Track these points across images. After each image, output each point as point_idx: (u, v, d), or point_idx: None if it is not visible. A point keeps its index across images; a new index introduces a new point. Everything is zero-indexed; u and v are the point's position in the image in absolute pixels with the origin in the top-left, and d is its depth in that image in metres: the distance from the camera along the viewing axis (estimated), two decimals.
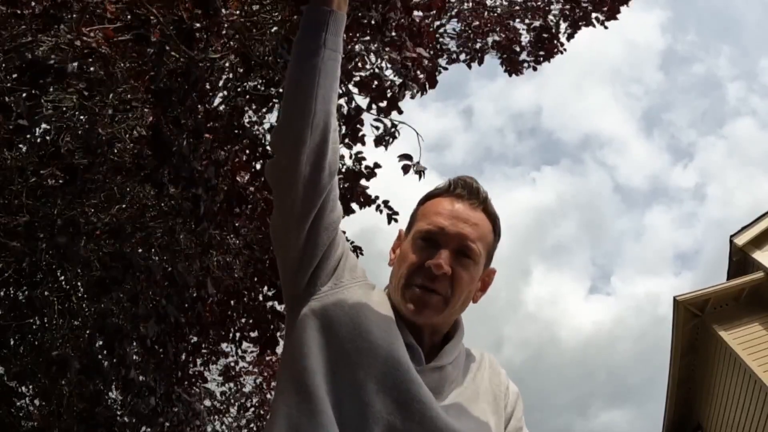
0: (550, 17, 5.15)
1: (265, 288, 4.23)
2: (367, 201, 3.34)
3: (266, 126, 3.74)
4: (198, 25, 2.42)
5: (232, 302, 4.49)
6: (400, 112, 3.11)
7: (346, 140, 3.13)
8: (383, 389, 1.04)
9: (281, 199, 1.14)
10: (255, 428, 7.27)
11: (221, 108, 3.21)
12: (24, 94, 2.70)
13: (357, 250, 3.91)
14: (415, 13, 3.08)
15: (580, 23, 4.99)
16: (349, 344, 1.08)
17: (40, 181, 3.48)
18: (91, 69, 2.93)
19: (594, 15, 4.87)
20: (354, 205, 3.35)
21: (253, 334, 4.47)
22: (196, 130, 2.66)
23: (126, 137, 3.49)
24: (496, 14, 5.33)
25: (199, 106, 2.84)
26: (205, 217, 2.88)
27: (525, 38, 5.36)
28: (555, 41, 5.18)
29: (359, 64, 3.29)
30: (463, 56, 5.39)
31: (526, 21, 5.31)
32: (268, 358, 6.92)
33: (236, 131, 3.05)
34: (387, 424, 1.02)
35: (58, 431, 4.25)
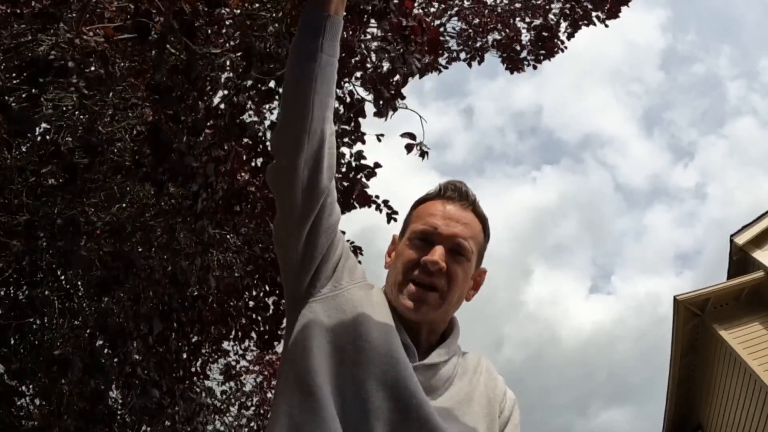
0: (551, 16, 5.16)
1: (266, 286, 4.24)
2: (366, 200, 3.34)
3: (266, 124, 3.73)
4: (200, 21, 2.42)
5: (232, 301, 4.50)
6: (403, 97, 3.10)
7: (346, 139, 3.13)
8: (383, 387, 1.06)
9: (281, 202, 1.16)
10: (255, 427, 7.28)
11: (221, 106, 3.21)
12: (24, 94, 2.70)
13: (357, 250, 3.92)
14: (416, 11, 3.07)
15: (580, 22, 4.99)
16: (349, 344, 1.10)
17: (40, 181, 3.48)
18: (92, 68, 2.93)
19: (594, 14, 4.88)
20: (354, 203, 3.35)
21: (254, 333, 4.48)
22: (194, 127, 2.66)
23: (126, 136, 3.49)
24: (496, 13, 5.33)
25: (199, 103, 2.84)
26: (203, 214, 2.88)
27: (525, 37, 5.37)
28: (555, 40, 5.18)
29: (359, 64, 3.29)
30: (463, 55, 5.40)
31: (527, 20, 5.32)
32: (268, 357, 6.94)
33: (237, 128, 3.05)
34: (388, 421, 1.04)
35: (59, 430, 4.25)
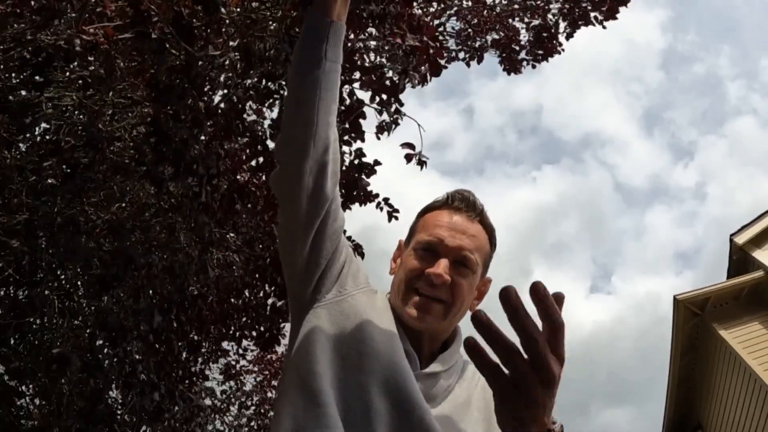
0: (549, 16, 5.16)
1: (266, 286, 4.24)
2: (367, 198, 3.34)
3: (267, 123, 3.74)
4: (198, 23, 2.42)
5: (232, 300, 4.50)
6: (401, 104, 3.12)
7: (346, 137, 3.13)
8: (386, 394, 1.06)
9: (286, 208, 1.16)
10: (255, 427, 7.28)
11: (222, 105, 3.21)
12: (24, 91, 2.71)
13: (358, 248, 3.91)
14: (416, 10, 3.08)
15: (579, 22, 4.99)
16: (353, 350, 1.10)
17: (39, 180, 3.48)
18: (91, 68, 2.94)
19: (593, 14, 4.88)
20: (355, 199, 3.35)
21: (254, 333, 4.48)
22: (195, 119, 2.66)
23: (126, 136, 3.49)
24: (495, 13, 5.33)
25: (199, 103, 2.84)
26: (205, 207, 2.88)
27: (524, 37, 5.37)
28: (554, 41, 5.19)
29: (359, 62, 3.29)
30: (462, 54, 5.41)
31: (525, 20, 5.32)
32: (268, 357, 6.94)
33: (237, 127, 3.05)
34: (390, 426, 1.04)
35: (58, 430, 4.25)
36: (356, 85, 3.14)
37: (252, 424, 7.30)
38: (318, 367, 1.08)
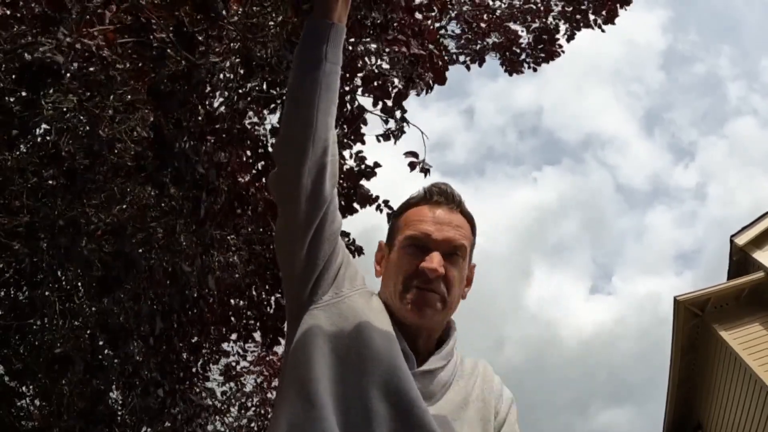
0: (550, 19, 5.16)
1: (267, 286, 4.24)
2: (367, 200, 3.35)
3: (268, 127, 3.74)
4: (198, 29, 2.42)
5: (232, 301, 4.51)
6: (404, 111, 3.13)
7: (345, 140, 3.13)
8: (386, 395, 1.07)
9: (284, 209, 1.16)
10: (255, 428, 7.28)
11: (222, 109, 3.21)
12: (23, 93, 2.71)
13: (358, 250, 3.90)
14: (417, 15, 3.08)
15: (580, 23, 4.99)
16: (352, 352, 1.10)
17: (40, 182, 3.49)
18: (91, 69, 2.93)
19: (592, 18, 4.89)
20: (355, 205, 3.36)
21: (256, 334, 4.48)
22: (197, 132, 2.66)
23: (126, 138, 3.49)
24: (495, 16, 5.34)
25: (200, 107, 2.84)
26: (206, 219, 2.89)
27: (524, 40, 5.38)
28: (555, 45, 5.20)
29: (359, 64, 3.29)
30: (462, 57, 5.41)
31: (526, 23, 5.33)
32: (269, 358, 6.94)
33: (238, 133, 3.05)
34: (389, 428, 1.04)
35: (59, 431, 4.25)
36: (359, 91, 3.15)
37: (252, 425, 7.30)
38: (316, 369, 1.08)
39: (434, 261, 1.16)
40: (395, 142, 3.30)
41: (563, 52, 5.21)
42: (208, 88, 3.17)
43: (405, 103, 3.20)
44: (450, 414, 1.13)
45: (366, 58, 3.33)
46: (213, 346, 5.43)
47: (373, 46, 3.07)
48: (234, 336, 4.74)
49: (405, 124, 3.20)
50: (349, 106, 3.02)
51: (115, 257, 3.33)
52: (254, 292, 4.37)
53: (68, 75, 2.46)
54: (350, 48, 2.96)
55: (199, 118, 2.92)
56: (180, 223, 3.69)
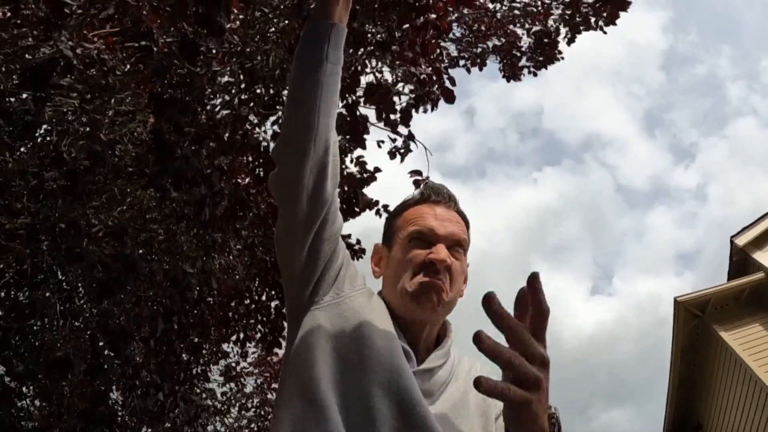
0: (550, 22, 5.16)
1: (267, 288, 4.24)
2: (367, 205, 3.35)
3: (269, 132, 3.73)
4: (200, 39, 2.41)
5: (233, 303, 4.51)
6: (408, 125, 3.14)
7: (347, 145, 3.13)
8: (388, 394, 1.06)
9: (285, 210, 1.15)
10: (256, 429, 7.28)
11: (223, 113, 3.21)
12: (27, 95, 2.71)
13: (360, 253, 3.90)
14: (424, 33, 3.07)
15: (580, 27, 4.99)
16: (353, 352, 1.10)
17: (41, 184, 3.48)
18: (92, 71, 2.93)
19: (593, 20, 4.88)
20: (356, 209, 3.37)
21: (257, 335, 4.48)
22: (197, 135, 2.66)
23: (127, 141, 3.50)
24: (496, 19, 5.33)
25: (201, 114, 2.84)
26: (209, 223, 2.89)
27: (525, 43, 5.37)
28: (555, 48, 5.20)
29: (360, 68, 3.29)
30: (462, 61, 5.41)
31: (526, 26, 5.32)
32: (269, 359, 6.94)
33: (239, 138, 3.05)
34: (392, 428, 1.04)
35: (59, 431, 4.26)
36: (361, 101, 3.15)
37: (252, 426, 7.30)
38: (317, 370, 1.08)
39: (441, 252, 1.17)
40: (402, 160, 3.32)
41: (563, 58, 5.22)
42: (209, 90, 3.18)
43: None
44: (450, 411, 1.13)
45: (368, 66, 3.33)
46: (213, 347, 5.44)
47: (375, 59, 3.07)
48: (234, 338, 4.73)
49: (413, 140, 3.21)
50: (349, 118, 3.01)
51: (116, 259, 3.33)
52: (255, 296, 4.38)
53: (71, 77, 2.46)
54: (354, 62, 2.96)
55: (202, 118, 2.91)
56: (181, 226, 3.69)
